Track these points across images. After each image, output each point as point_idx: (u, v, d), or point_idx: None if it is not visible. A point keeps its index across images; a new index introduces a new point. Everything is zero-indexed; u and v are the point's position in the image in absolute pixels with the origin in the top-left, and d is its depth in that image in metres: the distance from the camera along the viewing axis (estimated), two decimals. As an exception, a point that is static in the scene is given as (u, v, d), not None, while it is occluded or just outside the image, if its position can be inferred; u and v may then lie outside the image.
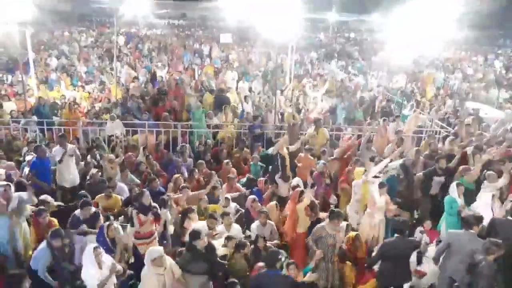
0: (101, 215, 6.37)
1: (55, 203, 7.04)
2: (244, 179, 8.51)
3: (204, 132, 10.72)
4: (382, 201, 6.81)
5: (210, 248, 5.36)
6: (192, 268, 5.16)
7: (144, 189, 6.50)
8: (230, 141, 10.57)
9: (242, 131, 10.74)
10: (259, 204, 7.27)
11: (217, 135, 10.88)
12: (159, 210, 6.29)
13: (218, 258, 5.52)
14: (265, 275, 4.89)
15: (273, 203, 7.27)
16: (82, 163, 8.56)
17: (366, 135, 9.04)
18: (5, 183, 6.38)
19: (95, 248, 5.08)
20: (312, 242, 5.80)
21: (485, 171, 7.41)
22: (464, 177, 7.40)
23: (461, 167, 7.67)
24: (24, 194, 6.27)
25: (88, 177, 7.94)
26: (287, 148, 8.28)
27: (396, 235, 5.81)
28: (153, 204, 6.30)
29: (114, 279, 5.27)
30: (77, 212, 6.25)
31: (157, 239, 6.27)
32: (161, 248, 5.20)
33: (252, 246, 6.04)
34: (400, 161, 7.73)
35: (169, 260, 5.13)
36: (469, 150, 8.48)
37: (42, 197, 6.80)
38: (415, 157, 8.30)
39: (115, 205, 7.09)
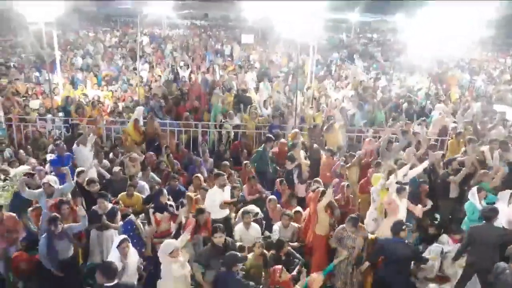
0: (119, 211, 6.46)
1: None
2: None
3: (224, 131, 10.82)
4: (404, 207, 6.70)
5: (228, 245, 5.43)
6: (208, 263, 5.23)
7: (162, 188, 6.58)
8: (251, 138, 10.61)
9: (262, 131, 10.76)
10: (278, 205, 7.28)
11: (237, 135, 10.93)
12: (175, 209, 6.36)
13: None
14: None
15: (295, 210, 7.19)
16: (105, 161, 8.74)
17: (385, 136, 8.92)
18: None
19: (123, 240, 5.19)
20: (335, 243, 5.82)
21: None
22: (484, 182, 7.21)
23: (480, 171, 7.49)
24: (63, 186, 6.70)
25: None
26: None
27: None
28: (170, 203, 6.39)
29: (135, 273, 5.37)
30: (96, 207, 6.39)
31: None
32: (175, 240, 5.27)
33: (274, 251, 6.04)
34: (425, 164, 7.58)
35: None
36: (485, 148, 8.29)
37: (79, 169, 7.36)
38: (439, 161, 8.13)
39: (136, 203, 7.20)
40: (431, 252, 6.24)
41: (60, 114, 11.40)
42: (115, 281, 4.31)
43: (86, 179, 7.21)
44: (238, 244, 5.95)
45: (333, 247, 6.08)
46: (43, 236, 5.60)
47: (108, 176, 8.02)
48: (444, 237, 6.74)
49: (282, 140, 9.31)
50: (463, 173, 7.56)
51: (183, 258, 5.16)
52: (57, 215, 5.69)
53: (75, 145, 8.13)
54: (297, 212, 7.08)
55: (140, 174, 8.16)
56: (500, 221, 6.28)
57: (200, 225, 6.31)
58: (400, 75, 18.69)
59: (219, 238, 5.39)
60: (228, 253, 4.93)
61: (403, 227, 5.46)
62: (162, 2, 24.17)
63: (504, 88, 16.76)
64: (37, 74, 16.20)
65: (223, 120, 11.18)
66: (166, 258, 5.02)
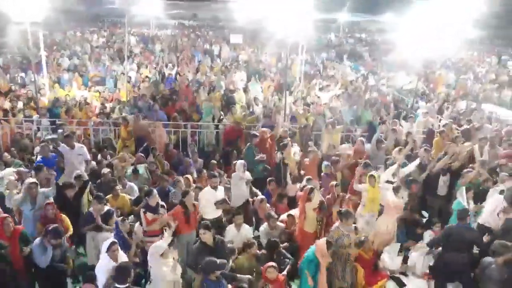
0: (114, 213, 6.38)
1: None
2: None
3: (211, 133, 10.77)
4: (400, 204, 6.78)
5: (218, 243, 5.40)
6: (197, 262, 5.20)
7: (153, 188, 6.55)
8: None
9: (251, 131, 10.72)
10: (267, 204, 7.27)
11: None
12: (166, 210, 6.33)
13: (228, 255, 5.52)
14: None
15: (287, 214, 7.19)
16: (94, 162, 8.63)
17: (375, 136, 8.97)
18: (33, 180, 6.52)
19: (112, 244, 5.13)
20: (334, 245, 5.74)
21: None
22: (461, 180, 7.33)
23: (465, 170, 7.58)
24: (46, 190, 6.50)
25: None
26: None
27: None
28: (161, 203, 6.35)
29: None
30: (91, 209, 6.31)
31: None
32: (164, 243, 5.24)
33: (264, 251, 6.05)
34: (416, 162, 7.64)
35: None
36: (474, 146, 8.41)
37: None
38: (425, 157, 8.22)
39: (124, 205, 7.13)
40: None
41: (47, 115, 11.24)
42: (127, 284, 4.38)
43: (62, 182, 7.11)
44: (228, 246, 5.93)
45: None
46: (40, 244, 5.46)
47: (86, 177, 7.82)
48: (427, 234, 6.84)
49: (263, 128, 9.36)
50: (444, 161, 7.70)
51: (173, 260, 5.13)
52: (59, 226, 5.61)
53: (60, 147, 7.98)
54: (289, 215, 7.06)
55: (130, 171, 8.08)
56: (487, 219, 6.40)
57: (189, 211, 6.20)
58: (388, 75, 18.83)
59: (204, 235, 5.36)
60: (207, 259, 4.85)
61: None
62: (150, 2, 24.01)
63: (490, 87, 17.01)
64: (22, 75, 15.95)
65: (221, 117, 11.13)
66: (156, 260, 4.98)
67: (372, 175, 7.00)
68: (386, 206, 6.76)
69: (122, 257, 5.26)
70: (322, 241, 5.57)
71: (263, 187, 8.17)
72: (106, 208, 6.35)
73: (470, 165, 7.92)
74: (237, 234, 6.49)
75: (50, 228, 5.47)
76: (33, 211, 6.26)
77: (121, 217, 6.11)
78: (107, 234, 6.02)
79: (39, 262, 5.44)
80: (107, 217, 6.14)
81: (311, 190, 6.55)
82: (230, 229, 6.59)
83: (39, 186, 6.43)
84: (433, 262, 6.17)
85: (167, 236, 5.38)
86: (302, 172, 8.59)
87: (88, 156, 8.17)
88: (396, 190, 6.75)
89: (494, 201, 6.61)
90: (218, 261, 4.83)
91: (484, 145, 8.50)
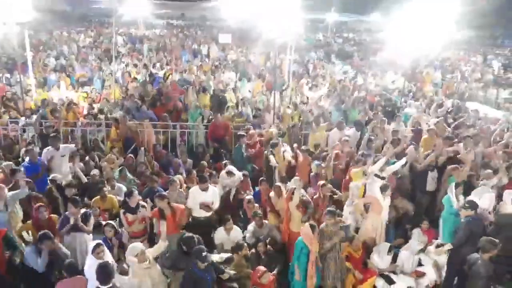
0: (92, 215, 6.25)
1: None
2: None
3: (201, 133, 10.74)
4: (387, 203, 6.82)
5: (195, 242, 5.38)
6: (172, 264, 5.23)
7: (133, 189, 6.52)
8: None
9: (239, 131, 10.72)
10: (255, 204, 7.27)
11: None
12: (146, 210, 6.26)
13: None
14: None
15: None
16: (81, 164, 8.53)
17: (366, 135, 9.02)
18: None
19: (97, 245, 5.10)
20: (327, 242, 5.82)
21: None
22: (453, 176, 7.41)
23: (450, 166, 7.67)
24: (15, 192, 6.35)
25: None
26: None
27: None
28: (142, 203, 6.31)
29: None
30: (67, 213, 6.18)
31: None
32: (140, 244, 5.23)
33: (253, 250, 6.06)
34: (402, 161, 7.71)
35: (151, 253, 5.21)
36: (460, 144, 8.52)
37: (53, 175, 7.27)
38: (412, 155, 8.28)
39: (112, 206, 7.07)
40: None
41: (34, 116, 11.06)
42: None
43: (64, 183, 7.07)
44: (221, 255, 5.93)
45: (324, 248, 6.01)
46: (32, 251, 5.42)
47: (85, 179, 7.85)
48: (415, 232, 6.91)
49: (251, 131, 9.40)
50: (430, 157, 7.79)
51: (150, 262, 5.10)
52: (49, 232, 5.51)
53: (45, 150, 7.88)
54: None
55: (117, 174, 8.01)
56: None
57: (164, 214, 6.08)
58: (376, 74, 18.96)
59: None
60: (196, 247, 4.95)
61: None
62: (137, 2, 23.87)
63: (475, 86, 17.26)
64: (7, 75, 15.70)
65: (211, 117, 11.11)
66: (132, 261, 4.97)
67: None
68: (373, 202, 6.75)
69: (109, 256, 5.24)
70: (305, 226, 5.62)
71: (253, 187, 8.17)
72: (82, 211, 6.21)
73: (461, 164, 8.01)
74: (227, 238, 6.50)
75: (40, 234, 5.42)
76: (6, 214, 6.13)
77: (106, 222, 6.03)
78: (85, 237, 5.95)
79: (37, 267, 5.38)
80: (84, 219, 6.03)
81: (293, 191, 6.55)
82: (220, 232, 6.59)
83: (6, 190, 6.24)
84: (451, 256, 6.13)
85: (162, 242, 5.35)
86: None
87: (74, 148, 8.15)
88: (383, 189, 6.79)
89: (486, 198, 6.74)
90: (206, 251, 4.92)
91: (468, 144, 8.60)
